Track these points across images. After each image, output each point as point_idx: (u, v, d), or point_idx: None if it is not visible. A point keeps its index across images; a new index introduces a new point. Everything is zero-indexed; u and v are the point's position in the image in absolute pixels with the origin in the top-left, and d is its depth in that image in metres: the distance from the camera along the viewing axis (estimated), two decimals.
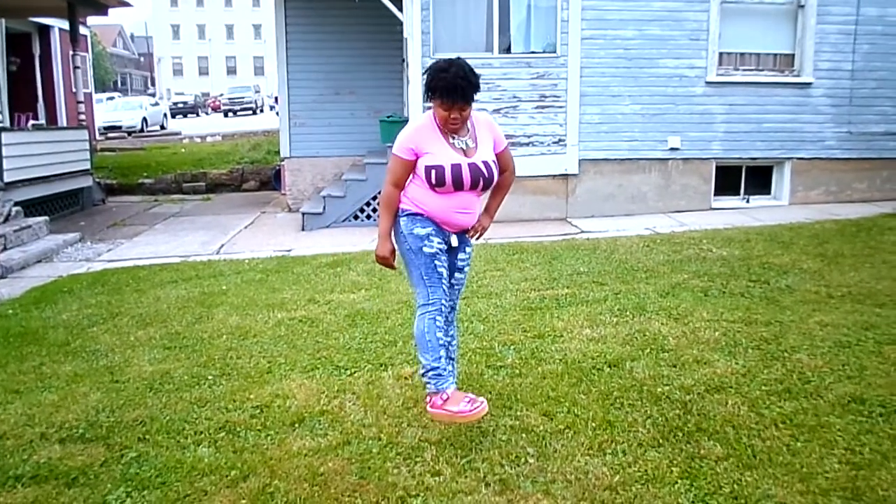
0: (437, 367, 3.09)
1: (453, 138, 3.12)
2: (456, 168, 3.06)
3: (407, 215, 3.16)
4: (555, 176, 9.00)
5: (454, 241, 3.24)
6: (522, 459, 2.99)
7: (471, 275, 5.99)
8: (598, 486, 2.79)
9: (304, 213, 9.12)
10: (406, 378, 3.87)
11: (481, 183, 3.14)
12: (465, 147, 3.13)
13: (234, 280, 6.26)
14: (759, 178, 9.69)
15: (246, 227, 9.43)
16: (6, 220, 8.41)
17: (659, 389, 3.56)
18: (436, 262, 3.12)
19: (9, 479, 2.99)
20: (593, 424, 3.24)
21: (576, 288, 5.45)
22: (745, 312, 4.66)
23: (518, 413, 3.39)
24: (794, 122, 9.37)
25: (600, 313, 4.76)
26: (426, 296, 3.15)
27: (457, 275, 3.34)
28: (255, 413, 3.52)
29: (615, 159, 9.10)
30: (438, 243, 3.14)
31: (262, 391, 3.77)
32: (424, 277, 3.13)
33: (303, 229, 8.93)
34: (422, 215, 3.13)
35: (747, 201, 9.52)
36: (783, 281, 5.46)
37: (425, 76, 3.06)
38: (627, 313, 4.73)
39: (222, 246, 8.16)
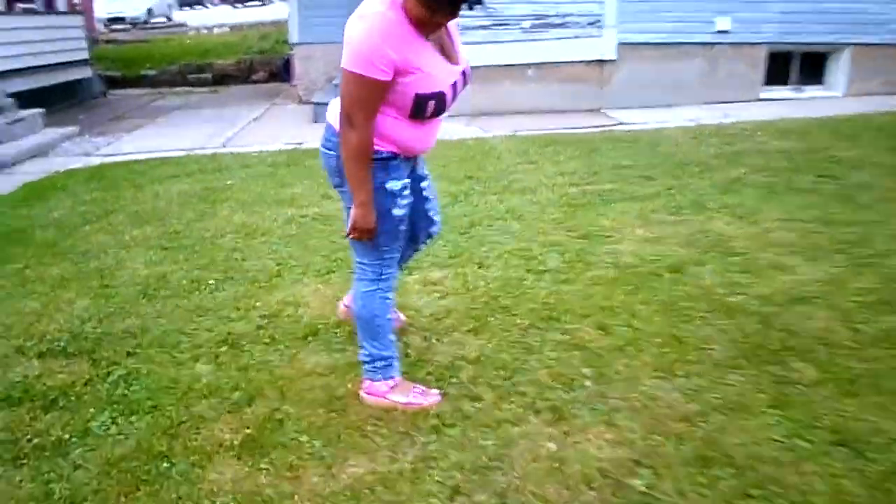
0: (387, 357, 2.44)
1: (431, 40, 2.09)
2: (452, 90, 2.13)
3: (376, 161, 2.13)
4: (589, 62, 8.19)
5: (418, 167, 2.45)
6: (577, 382, 2.51)
7: (500, 168, 5.44)
8: (671, 416, 2.31)
9: (315, 104, 8.45)
10: (434, 284, 3.38)
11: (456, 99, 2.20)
12: (446, 50, 2.14)
13: (241, 174, 5.71)
14: (811, 67, 8.82)
15: (254, 120, 8.79)
16: None
17: (732, 300, 3.04)
18: (401, 227, 2.29)
19: None
20: (658, 341, 2.74)
21: (621, 183, 4.85)
22: (821, 211, 4.07)
23: (568, 326, 2.89)
24: (858, 1, 8.38)
25: (653, 210, 4.19)
26: (378, 271, 2.34)
27: (429, 208, 2.53)
28: (263, 324, 3.06)
29: (656, 43, 8.25)
30: (408, 196, 2.27)
31: (271, 298, 3.30)
32: (383, 248, 2.29)
33: (315, 121, 8.27)
34: (395, 157, 2.18)
35: (800, 91, 8.69)
36: (856, 177, 4.82)
37: None
38: (685, 211, 4.16)
39: (229, 139, 7.57)
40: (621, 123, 7.42)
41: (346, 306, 2.87)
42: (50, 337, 3.01)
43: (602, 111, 8.13)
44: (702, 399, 2.39)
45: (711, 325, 2.84)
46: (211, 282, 3.51)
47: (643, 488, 2.01)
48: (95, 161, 6.74)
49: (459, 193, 4.81)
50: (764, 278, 3.22)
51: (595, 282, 3.27)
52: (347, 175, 2.13)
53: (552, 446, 2.20)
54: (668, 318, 2.90)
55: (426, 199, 2.52)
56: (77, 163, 6.70)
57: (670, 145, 6.02)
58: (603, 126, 7.28)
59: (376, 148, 2.13)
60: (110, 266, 3.80)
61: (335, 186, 2.30)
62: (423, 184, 2.49)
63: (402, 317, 2.93)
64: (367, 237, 2.22)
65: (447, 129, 7.24)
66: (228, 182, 5.47)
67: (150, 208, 4.88)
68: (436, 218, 2.60)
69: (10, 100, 8.15)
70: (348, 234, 2.22)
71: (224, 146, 7.19)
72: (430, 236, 2.65)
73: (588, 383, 2.51)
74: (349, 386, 2.55)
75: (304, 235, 4.13)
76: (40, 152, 7.26)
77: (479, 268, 3.52)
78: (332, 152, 2.20)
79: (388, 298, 2.40)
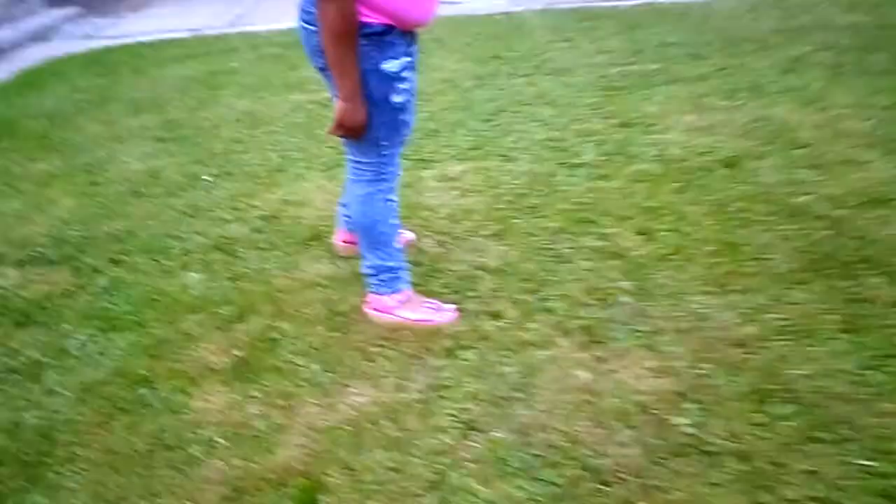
0: (394, 268, 2.11)
1: None
2: None
3: (365, 37, 1.70)
4: None
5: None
6: (614, 298, 2.18)
7: (530, 46, 4.90)
8: (723, 340, 1.98)
9: None
10: (453, 179, 3.01)
11: None
12: None
13: (248, 56, 5.26)
14: None
15: None
16: None
17: (796, 200, 2.62)
18: (402, 116, 1.89)
19: None
20: (709, 249, 2.37)
21: (667, 62, 4.31)
22: None
23: (604, 230, 2.52)
24: None
25: (704, 94, 3.69)
26: (377, 170, 1.96)
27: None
28: (260, 226, 2.74)
29: None
30: (409, 78, 1.85)
31: (271, 196, 2.97)
32: (383, 142, 1.90)
33: None
34: (390, 31, 1.74)
35: None
36: None
37: None
38: (740, 95, 3.65)
39: (238, 16, 7.03)
40: None
41: (345, 243, 2.48)
42: (31, 242, 2.74)
43: None
44: (760, 320, 2.04)
45: (772, 231, 2.45)
46: (207, 178, 3.18)
47: (689, 429, 1.71)
48: (96, 44, 6.30)
49: (485, 75, 4.33)
50: (834, 176, 2.78)
51: (637, 178, 2.87)
52: (328, 60, 1.71)
53: (584, 375, 1.89)
54: (722, 222, 2.51)
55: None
56: (77, 46, 6.27)
57: (723, 19, 5.36)
58: None
59: (365, 20, 1.69)
60: (101, 161, 3.48)
61: (319, 70, 1.86)
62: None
63: (410, 234, 2.56)
64: (357, 135, 1.83)
65: (472, 2, 6.63)
66: (234, 65, 5.04)
67: (150, 95, 4.50)
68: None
69: None
70: (332, 132, 1.84)
71: (233, 25, 6.67)
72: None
73: (627, 299, 2.17)
74: (353, 300, 2.25)
75: (312, 124, 3.74)
76: (40, 36, 6.82)
77: (505, 161, 3.13)
78: (311, 27, 1.76)
79: (389, 200, 2.04)
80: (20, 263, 2.61)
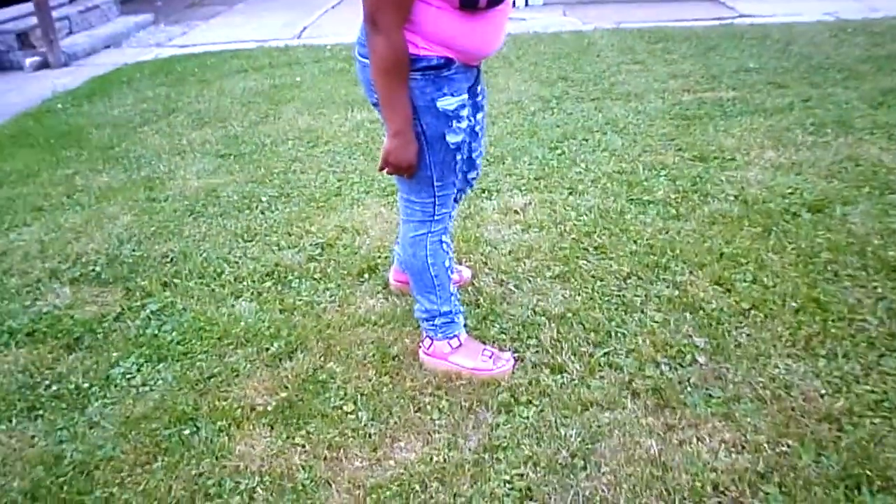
0: (447, 313, 1.99)
1: None
2: None
3: (421, 70, 1.61)
4: None
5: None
6: (688, 357, 2.01)
7: (601, 68, 4.73)
8: (810, 412, 1.79)
9: None
10: (515, 212, 2.87)
11: None
12: None
13: (312, 70, 5.24)
14: None
15: (333, 7, 8.19)
16: None
17: (892, 253, 2.40)
18: (458, 156, 1.77)
19: (2, 334, 2.31)
20: (794, 305, 2.18)
21: (746, 90, 4.08)
22: None
23: (677, 277, 2.35)
24: None
25: (787, 128, 3.46)
26: (431, 210, 1.85)
27: (478, 117, 1.94)
28: (315, 254, 2.66)
29: None
30: (468, 117, 1.76)
31: (327, 221, 2.89)
32: (437, 182, 1.78)
33: None
34: (449, 65, 1.63)
35: None
36: None
37: None
38: (827, 130, 3.41)
39: (304, 28, 7.05)
40: (742, 15, 6.41)
41: (399, 282, 2.38)
42: (86, 259, 2.73)
43: (721, 0, 7.08)
44: (851, 391, 1.85)
45: (864, 288, 2.24)
46: (264, 199, 3.13)
47: None
48: (166, 53, 6.40)
49: (551, 98, 4.18)
50: None
51: (713, 219, 2.68)
52: (378, 95, 1.61)
53: (652, 444, 1.73)
54: (807, 274, 2.31)
55: (475, 133, 1.95)
56: (147, 55, 6.39)
57: (805, 44, 5.09)
58: (722, 18, 6.30)
59: (423, 54, 1.59)
60: (161, 175, 3.47)
61: (374, 105, 1.75)
62: (480, 102, 1.91)
63: (468, 271, 2.44)
64: (406, 174, 1.73)
65: (540, 20, 6.48)
66: (298, 79, 5.02)
67: (213, 107, 4.51)
68: (478, 161, 2.02)
69: None
70: (381, 168, 1.73)
71: (298, 37, 6.69)
72: (468, 185, 2.08)
73: (701, 359, 2.00)
74: (406, 342, 2.14)
75: (372, 144, 3.67)
76: (113, 42, 6.98)
77: (570, 194, 2.98)
78: (366, 60, 1.65)
79: (442, 242, 1.92)
80: (74, 281, 2.59)
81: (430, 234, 1.89)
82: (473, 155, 1.95)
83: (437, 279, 1.94)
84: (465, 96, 1.71)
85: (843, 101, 3.80)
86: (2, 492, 1.72)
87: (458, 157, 1.78)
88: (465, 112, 1.71)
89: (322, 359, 2.09)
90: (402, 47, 1.54)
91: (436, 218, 1.87)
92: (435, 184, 1.79)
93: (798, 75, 4.31)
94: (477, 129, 1.92)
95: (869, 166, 2.99)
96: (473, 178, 2.03)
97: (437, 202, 1.84)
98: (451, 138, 1.71)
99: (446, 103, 1.66)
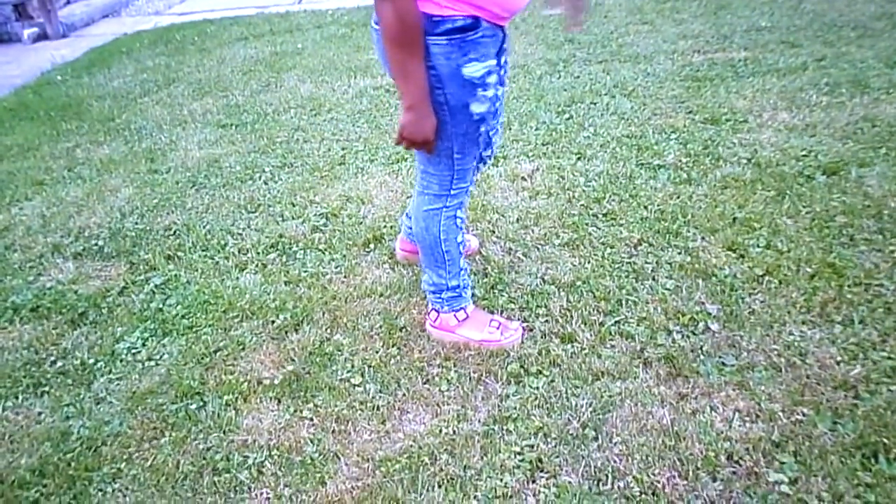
0: (456, 286, 1.94)
1: None
2: None
3: (446, 34, 1.49)
4: None
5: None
6: (700, 324, 1.97)
7: (608, 29, 4.62)
8: (826, 380, 1.76)
9: None
10: (522, 179, 2.82)
11: None
12: None
13: (313, 36, 5.14)
14: None
15: None
16: None
17: None
18: (482, 127, 1.67)
19: (6, 311, 2.30)
20: (809, 270, 2.13)
21: (758, 50, 3.98)
22: None
23: (689, 243, 2.30)
24: None
25: (800, 89, 3.37)
26: (448, 184, 1.77)
27: (499, 92, 1.71)
28: (319, 224, 2.62)
29: None
30: (495, 85, 1.63)
31: (331, 191, 2.85)
32: (457, 154, 1.70)
33: None
34: (476, 25, 1.51)
35: None
36: None
37: None
38: (841, 90, 3.32)
39: None
40: None
41: (405, 252, 2.32)
42: (88, 233, 2.70)
43: None
44: (868, 358, 1.81)
45: (881, 252, 2.19)
46: (267, 169, 3.08)
47: (786, 486, 1.51)
48: (165, 21, 6.30)
49: (558, 61, 4.09)
50: None
51: (726, 183, 2.62)
52: (390, 64, 1.54)
53: (665, 414, 1.71)
54: (822, 239, 2.26)
55: (501, 81, 1.78)
56: (146, 23, 6.29)
57: (818, 1, 4.95)
58: None
59: (448, 14, 1.47)
60: (162, 146, 3.42)
61: (392, 77, 1.67)
62: (502, 76, 1.75)
63: (475, 243, 2.38)
64: (423, 148, 1.66)
65: None
66: (299, 46, 4.93)
67: (214, 76, 4.44)
68: (495, 138, 1.84)
69: None
70: (398, 142, 1.67)
71: (299, 2, 6.57)
72: (482, 161, 1.90)
73: (714, 326, 1.96)
74: (413, 313, 2.11)
75: (376, 111, 3.60)
76: (112, 12, 6.88)
77: (579, 159, 2.92)
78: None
79: (457, 218, 1.86)
80: (77, 256, 2.56)
81: (444, 209, 1.82)
82: (490, 132, 1.82)
83: (448, 255, 1.89)
84: (493, 62, 1.60)
85: (857, 59, 3.70)
86: (10, 469, 1.71)
87: (483, 128, 1.68)
88: (491, 79, 1.61)
89: (328, 331, 2.07)
90: (414, 12, 1.44)
91: (452, 192, 1.80)
92: (455, 156, 1.71)
93: (811, 34, 4.20)
94: (497, 104, 1.76)
95: (885, 127, 2.91)
96: (489, 157, 1.97)
97: (455, 176, 1.77)
98: (476, 108, 1.62)
99: (472, 70, 1.55)
